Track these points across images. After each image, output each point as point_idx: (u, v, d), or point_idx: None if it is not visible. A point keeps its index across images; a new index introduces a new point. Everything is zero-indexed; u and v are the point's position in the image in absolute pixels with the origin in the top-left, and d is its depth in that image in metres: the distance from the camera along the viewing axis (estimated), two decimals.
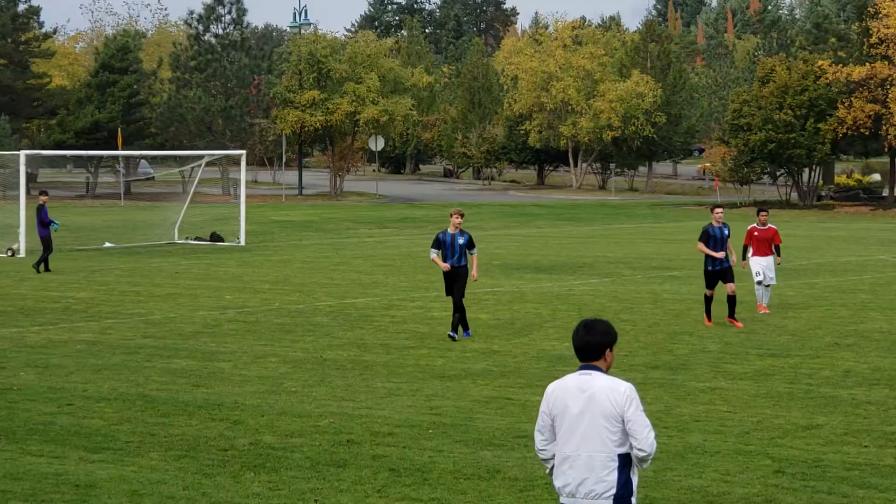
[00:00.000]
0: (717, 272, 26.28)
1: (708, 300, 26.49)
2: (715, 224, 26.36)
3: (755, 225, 28.30)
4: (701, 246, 26.47)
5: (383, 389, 19.28)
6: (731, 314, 26.22)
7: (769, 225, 28.35)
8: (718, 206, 27.77)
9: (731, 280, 26.22)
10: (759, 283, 28.05)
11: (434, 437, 16.15)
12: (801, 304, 30.01)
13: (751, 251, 28.31)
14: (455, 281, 24.53)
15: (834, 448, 15.28)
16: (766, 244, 28.08)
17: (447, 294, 24.93)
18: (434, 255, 24.73)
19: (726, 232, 26.41)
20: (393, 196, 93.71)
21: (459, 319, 24.42)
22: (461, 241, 24.53)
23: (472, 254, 24.71)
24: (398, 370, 21.01)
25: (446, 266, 24.40)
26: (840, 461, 14.62)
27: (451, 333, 24.21)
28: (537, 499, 13.32)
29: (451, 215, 24.75)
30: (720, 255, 26.20)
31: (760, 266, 28.00)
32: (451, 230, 24.50)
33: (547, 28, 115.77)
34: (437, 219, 69.65)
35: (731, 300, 26.16)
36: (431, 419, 17.18)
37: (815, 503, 13.01)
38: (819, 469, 14.28)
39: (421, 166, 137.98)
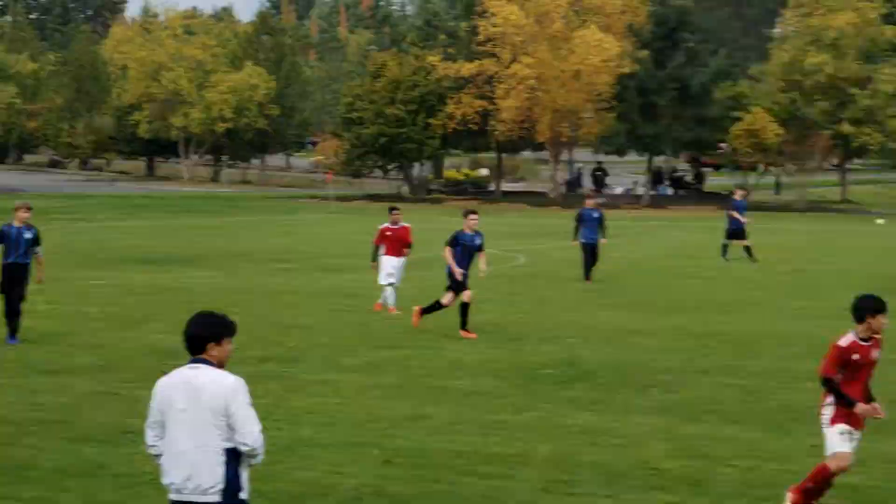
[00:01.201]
0: (462, 283, 24.09)
1: (439, 307, 24.48)
2: (467, 231, 24.20)
3: (387, 224, 27.29)
4: (447, 254, 24.16)
5: None
6: (464, 325, 24.04)
7: (402, 224, 27.39)
8: (473, 212, 24.77)
9: (467, 287, 24.14)
10: (391, 284, 27.04)
11: (36, 433, 15.54)
12: (414, 297, 30.46)
13: (382, 250, 27.27)
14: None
15: (442, 437, 15.51)
16: (399, 244, 27.20)
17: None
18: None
19: (478, 241, 24.25)
20: None
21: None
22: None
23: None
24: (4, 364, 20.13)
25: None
26: (447, 450, 14.85)
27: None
28: (143, 495, 12.96)
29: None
30: (459, 272, 24.05)
31: (393, 267, 27.04)
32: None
33: (157, 17, 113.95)
34: (42, 210, 67.38)
35: (465, 308, 24.01)
36: (34, 415, 16.53)
37: (423, 492, 13.14)
38: (427, 458, 14.46)
39: (25, 156, 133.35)
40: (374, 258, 27.55)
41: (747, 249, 40.38)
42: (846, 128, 79.92)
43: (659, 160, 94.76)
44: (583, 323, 26.06)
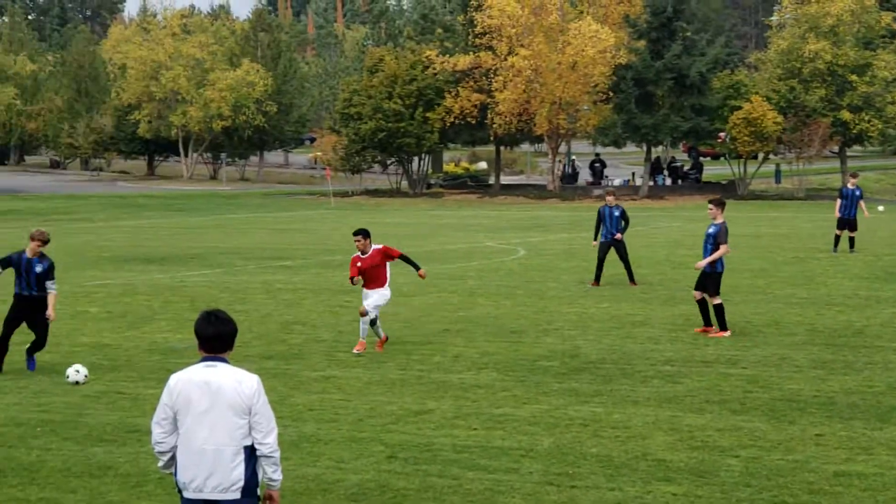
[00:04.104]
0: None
1: (698, 304, 23.70)
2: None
3: (357, 255, 21.96)
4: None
5: None
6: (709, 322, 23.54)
7: (374, 247, 21.93)
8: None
9: (712, 292, 23.26)
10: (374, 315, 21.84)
11: (42, 434, 15.60)
12: (413, 291, 30.50)
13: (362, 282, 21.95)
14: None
15: (445, 432, 15.56)
16: (374, 273, 21.83)
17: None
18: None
19: (710, 230, 23.29)
20: None
21: None
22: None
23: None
24: (4, 367, 20.16)
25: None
26: (450, 444, 14.90)
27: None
28: (150, 494, 13.02)
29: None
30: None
31: (375, 301, 21.81)
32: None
33: (155, 16, 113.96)
34: (43, 211, 67.57)
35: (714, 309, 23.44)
36: (39, 416, 16.60)
37: (427, 486, 13.19)
38: (430, 453, 14.50)
39: (26, 157, 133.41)
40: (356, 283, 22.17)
41: (850, 240, 40.09)
42: (845, 115, 79.93)
43: (657, 151, 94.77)
44: (583, 314, 26.11)
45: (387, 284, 21.93)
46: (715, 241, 23.14)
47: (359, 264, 21.67)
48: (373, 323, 21.64)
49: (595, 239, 32.22)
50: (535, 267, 36.69)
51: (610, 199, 32.25)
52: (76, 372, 18.79)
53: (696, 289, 23.63)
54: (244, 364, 18.61)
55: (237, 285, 32.09)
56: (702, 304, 23.50)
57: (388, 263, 22.07)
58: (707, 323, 23.48)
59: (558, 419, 16.16)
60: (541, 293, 30.03)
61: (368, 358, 20.92)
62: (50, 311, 20.18)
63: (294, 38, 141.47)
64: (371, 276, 21.65)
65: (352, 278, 21.88)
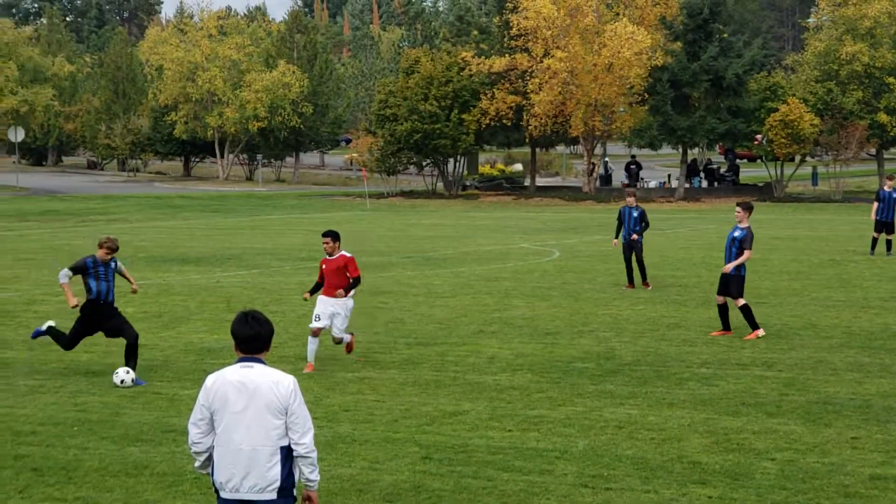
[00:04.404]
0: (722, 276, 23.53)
1: (720, 308, 23.75)
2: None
3: (325, 257, 20.83)
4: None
5: (25, 387, 18.63)
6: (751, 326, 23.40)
7: (341, 253, 20.66)
8: (738, 203, 23.77)
9: (736, 295, 23.39)
10: (319, 328, 20.43)
11: (79, 434, 15.70)
12: (448, 292, 30.55)
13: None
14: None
15: (479, 433, 15.58)
16: (334, 279, 20.50)
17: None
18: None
19: (735, 234, 23.18)
20: (34, 188, 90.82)
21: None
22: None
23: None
24: (41, 367, 20.36)
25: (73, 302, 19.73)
26: (485, 445, 14.91)
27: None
28: (186, 494, 13.09)
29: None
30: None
31: (323, 310, 20.48)
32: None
33: (192, 18, 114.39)
34: (80, 211, 67.91)
35: (742, 312, 23.42)
36: (76, 416, 16.70)
37: (462, 487, 13.21)
38: (465, 454, 14.52)
39: (64, 158, 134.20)
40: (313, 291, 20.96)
41: (888, 243, 39.91)
42: (882, 117, 79.54)
43: (693, 153, 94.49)
44: (618, 316, 26.07)
45: (348, 297, 20.60)
46: (741, 245, 23.12)
47: (324, 266, 20.66)
48: (337, 342, 20.81)
49: (616, 237, 32.18)
50: (571, 269, 36.66)
51: (630, 199, 32.18)
52: (126, 373, 18.87)
53: (719, 293, 23.59)
54: (280, 365, 18.70)
55: (273, 286, 32.19)
56: (723, 308, 23.48)
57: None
58: (726, 327, 23.44)
59: (593, 421, 16.15)
60: (576, 295, 30.01)
61: (403, 359, 20.94)
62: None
63: (330, 39, 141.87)
64: (332, 281, 20.45)
65: (318, 284, 20.68)
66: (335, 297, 20.28)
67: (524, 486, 13.21)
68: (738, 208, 23.54)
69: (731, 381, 18.74)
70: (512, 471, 13.82)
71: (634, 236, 31.41)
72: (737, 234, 23.26)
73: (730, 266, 23.14)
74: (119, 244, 20.04)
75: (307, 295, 20.86)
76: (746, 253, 23.12)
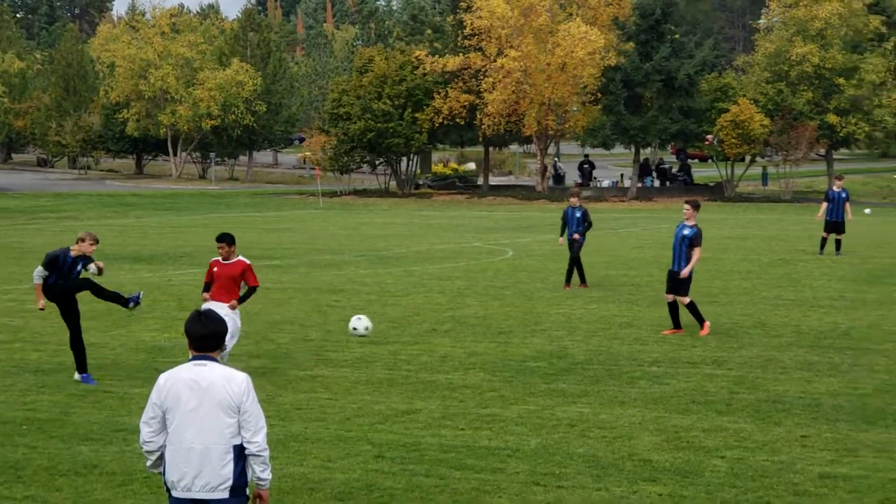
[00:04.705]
0: (671, 273, 23.60)
1: (670, 306, 23.79)
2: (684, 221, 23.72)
3: (217, 259, 19.67)
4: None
5: None
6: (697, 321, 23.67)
7: (237, 258, 19.59)
8: (687, 202, 23.93)
9: (681, 293, 23.54)
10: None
11: (28, 433, 15.61)
12: (401, 291, 30.55)
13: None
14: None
15: (432, 431, 15.60)
16: (227, 285, 19.49)
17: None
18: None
19: (685, 232, 23.30)
20: None
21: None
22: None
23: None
24: None
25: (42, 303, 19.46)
26: (438, 444, 14.93)
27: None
28: (136, 493, 13.04)
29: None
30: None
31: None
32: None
33: (144, 15, 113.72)
34: (31, 209, 67.43)
35: (688, 309, 23.69)
36: (25, 415, 16.61)
37: (414, 486, 13.22)
38: (417, 452, 14.54)
39: (13, 155, 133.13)
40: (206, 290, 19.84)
41: (837, 243, 40.15)
42: (832, 118, 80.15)
43: (645, 152, 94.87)
44: (570, 315, 26.16)
45: (236, 311, 19.43)
46: (691, 243, 23.27)
47: (215, 269, 19.30)
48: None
49: (561, 236, 32.25)
50: (523, 268, 36.73)
51: (574, 199, 32.24)
52: (358, 319, 19.20)
53: (669, 292, 23.74)
54: (232, 363, 18.63)
55: None
56: (673, 306, 23.62)
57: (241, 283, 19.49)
58: (677, 326, 23.60)
59: (545, 419, 16.20)
60: (529, 294, 30.08)
61: (356, 357, 20.94)
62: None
63: (284, 37, 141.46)
64: (223, 286, 19.26)
65: (206, 283, 19.56)
66: (230, 306, 19.17)
67: (476, 485, 13.23)
68: (687, 206, 23.68)
69: (681, 379, 18.85)
70: (464, 469, 13.85)
71: (576, 236, 31.42)
72: (686, 232, 23.39)
73: (686, 270, 23.28)
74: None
75: (206, 296, 19.44)
76: (697, 251, 23.28)
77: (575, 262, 31.39)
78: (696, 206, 23.73)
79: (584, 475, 13.57)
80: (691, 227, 23.38)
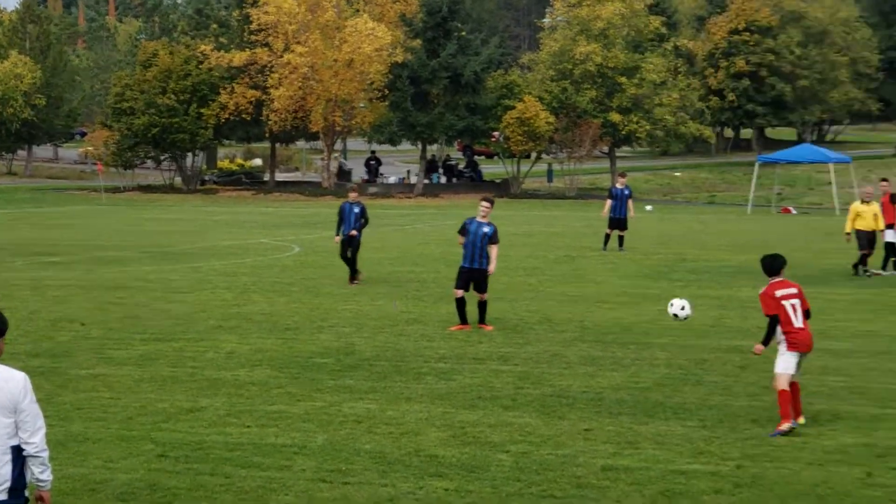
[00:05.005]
0: (472, 271, 23.77)
1: (459, 302, 23.84)
2: (479, 219, 23.67)
3: None
4: (461, 241, 23.71)
5: None
6: (483, 319, 23.91)
7: None
8: (486, 199, 23.98)
9: (485, 290, 23.96)
10: None
11: None
12: (186, 287, 30.15)
13: None
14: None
15: (217, 429, 15.39)
16: None
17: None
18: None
19: (485, 229, 23.55)
20: None
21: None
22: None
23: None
24: None
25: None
26: (223, 442, 14.73)
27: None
28: None
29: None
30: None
31: None
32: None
33: None
34: None
35: (482, 306, 23.98)
36: None
37: (198, 485, 13.01)
38: (202, 451, 14.32)
39: None
40: None
41: (620, 239, 40.78)
42: (615, 116, 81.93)
43: (432, 149, 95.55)
44: (358, 312, 26.13)
45: None
46: (491, 240, 23.51)
47: None
48: None
49: (337, 234, 31.82)
50: (310, 264, 36.61)
51: (352, 195, 31.97)
52: (681, 309, 19.16)
53: (459, 287, 23.85)
54: (10, 362, 18.10)
55: (2, 281, 31.20)
56: (461, 302, 23.77)
57: None
58: (464, 322, 23.78)
59: (332, 416, 16.13)
60: (316, 290, 29.97)
61: (140, 355, 20.55)
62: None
63: (64, 30, 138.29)
64: None
65: None
66: None
67: (262, 483, 13.09)
68: (486, 203, 23.89)
69: (467, 375, 18.96)
70: (250, 467, 13.69)
71: (353, 232, 31.19)
72: (486, 229, 23.57)
73: (493, 267, 23.54)
74: None
75: None
76: (496, 248, 23.59)
77: (352, 258, 31.17)
78: (493, 203, 24.05)
79: (370, 471, 13.53)
80: (490, 223, 23.60)
